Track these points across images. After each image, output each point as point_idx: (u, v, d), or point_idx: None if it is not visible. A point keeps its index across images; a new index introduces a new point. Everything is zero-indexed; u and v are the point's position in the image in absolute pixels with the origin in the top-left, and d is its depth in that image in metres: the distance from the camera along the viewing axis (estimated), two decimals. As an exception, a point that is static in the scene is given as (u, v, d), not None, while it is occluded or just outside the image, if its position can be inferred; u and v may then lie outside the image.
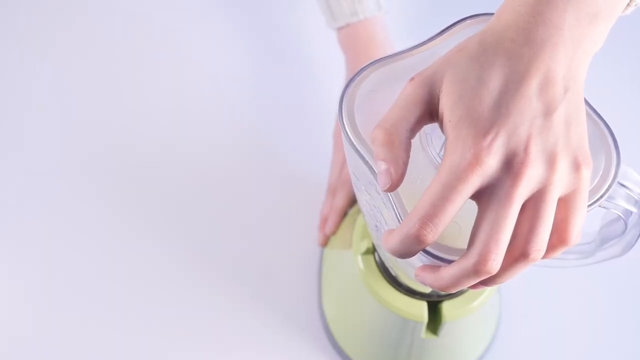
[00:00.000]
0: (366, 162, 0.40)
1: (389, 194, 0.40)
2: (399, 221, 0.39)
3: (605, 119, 0.42)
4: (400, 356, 0.65)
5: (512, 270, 0.37)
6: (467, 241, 0.37)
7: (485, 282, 0.38)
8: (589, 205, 0.40)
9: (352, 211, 0.71)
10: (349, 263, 0.64)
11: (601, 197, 0.40)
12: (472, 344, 0.68)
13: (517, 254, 0.36)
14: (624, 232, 0.46)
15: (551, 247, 0.38)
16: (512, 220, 0.36)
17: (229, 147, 0.79)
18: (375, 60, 0.43)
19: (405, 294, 0.60)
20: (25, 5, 0.86)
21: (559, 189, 0.36)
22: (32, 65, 0.83)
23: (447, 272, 0.38)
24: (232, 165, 0.78)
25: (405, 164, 0.38)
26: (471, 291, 0.60)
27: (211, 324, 0.70)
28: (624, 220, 0.45)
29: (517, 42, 0.36)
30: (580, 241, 0.53)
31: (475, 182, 0.35)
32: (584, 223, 0.39)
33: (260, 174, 0.77)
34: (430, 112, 0.38)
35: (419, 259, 0.41)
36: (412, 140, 0.38)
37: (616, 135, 0.42)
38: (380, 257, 0.60)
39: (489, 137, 0.35)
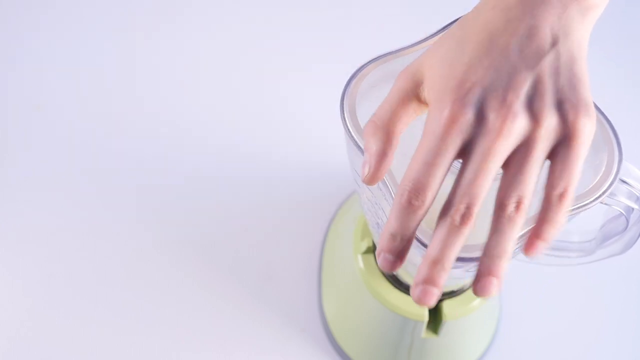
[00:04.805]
0: (368, 159, 0.40)
1: (391, 191, 0.40)
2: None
3: (607, 116, 0.42)
4: (400, 356, 0.65)
5: (500, 235, 0.36)
6: (470, 238, 0.37)
7: (486, 262, 0.36)
8: (590, 202, 0.40)
9: (351, 207, 0.71)
10: (349, 262, 0.64)
11: (603, 193, 0.40)
12: (473, 343, 0.68)
13: (497, 207, 0.36)
14: (625, 229, 0.46)
15: (542, 210, 0.36)
16: (489, 174, 0.35)
17: (229, 147, 0.79)
18: (376, 57, 0.43)
19: (405, 293, 0.60)
20: (28, 5, 0.86)
21: (544, 143, 0.35)
22: (33, 66, 0.83)
23: (434, 243, 0.36)
24: (232, 165, 0.78)
25: (389, 158, 0.37)
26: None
27: (211, 323, 0.70)
28: (625, 217, 0.45)
29: (497, 8, 0.36)
30: (581, 239, 0.53)
31: (455, 140, 0.35)
32: (585, 214, 0.38)
33: (260, 174, 0.77)
34: (419, 100, 0.38)
35: (422, 256, 0.40)
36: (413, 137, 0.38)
37: (618, 132, 0.42)
38: (380, 256, 0.60)
39: (462, 93, 0.35)
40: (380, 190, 0.41)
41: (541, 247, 0.36)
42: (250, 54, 0.84)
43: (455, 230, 0.35)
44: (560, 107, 0.35)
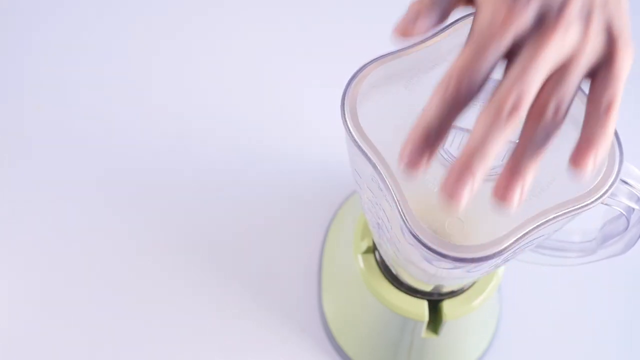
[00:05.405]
0: (369, 159, 0.40)
1: (393, 192, 0.40)
2: (401, 218, 0.39)
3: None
4: (400, 356, 0.65)
5: (536, 139, 0.33)
6: (471, 239, 0.37)
7: (516, 162, 0.34)
8: (591, 203, 0.40)
9: (351, 207, 0.71)
10: (349, 262, 0.64)
11: (604, 194, 0.40)
12: (473, 343, 0.68)
13: (535, 111, 0.34)
14: (625, 229, 0.46)
15: (586, 125, 0.35)
16: (539, 72, 0.33)
17: (229, 148, 0.79)
18: (377, 57, 0.43)
19: (405, 292, 0.60)
20: (29, 5, 0.86)
21: (588, 58, 0.34)
22: (33, 66, 0.83)
23: (476, 133, 0.33)
24: (232, 166, 0.78)
25: (440, 20, 0.36)
26: (472, 289, 0.60)
27: (210, 323, 0.70)
28: (626, 217, 0.45)
29: None
30: (581, 239, 0.53)
31: (508, 38, 0.34)
32: (585, 214, 0.38)
33: (260, 174, 0.77)
34: None
35: (422, 256, 0.41)
36: None
37: (619, 132, 0.42)
38: (380, 256, 0.60)
39: None
40: (381, 190, 0.41)
41: (591, 160, 0.34)
42: (249, 55, 0.84)
43: (501, 121, 0.33)
44: (608, 30, 0.35)
